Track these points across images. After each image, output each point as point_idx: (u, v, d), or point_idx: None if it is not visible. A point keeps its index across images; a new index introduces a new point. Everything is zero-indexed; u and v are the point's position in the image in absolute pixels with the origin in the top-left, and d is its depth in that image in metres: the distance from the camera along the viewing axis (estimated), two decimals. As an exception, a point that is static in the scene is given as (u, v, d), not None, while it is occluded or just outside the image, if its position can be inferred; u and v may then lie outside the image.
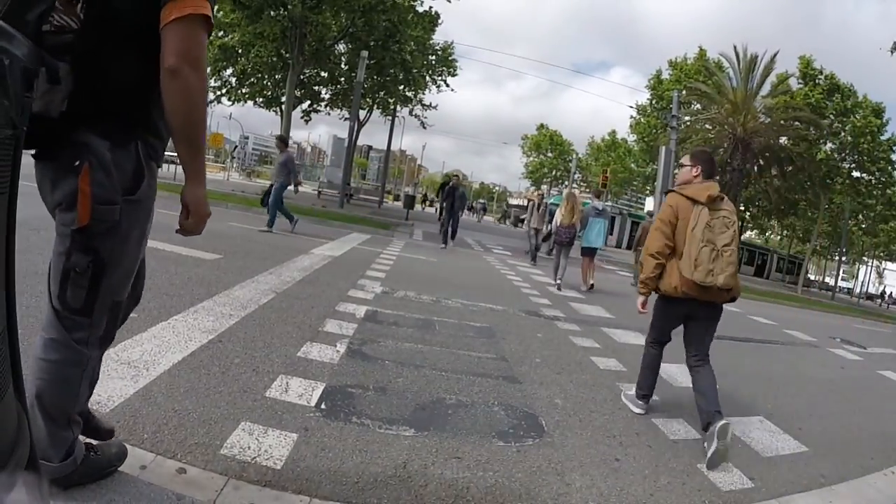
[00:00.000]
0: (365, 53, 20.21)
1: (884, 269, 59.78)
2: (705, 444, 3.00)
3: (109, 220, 1.43)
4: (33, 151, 1.40)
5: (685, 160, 3.56)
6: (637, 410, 3.59)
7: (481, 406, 3.18)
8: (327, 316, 4.55)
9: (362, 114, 32.06)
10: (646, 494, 2.50)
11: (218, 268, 5.90)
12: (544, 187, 66.42)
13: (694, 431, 3.37)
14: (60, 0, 1.29)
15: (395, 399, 3.06)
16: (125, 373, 2.72)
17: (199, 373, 2.92)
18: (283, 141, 10.93)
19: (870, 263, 55.45)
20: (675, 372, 4.73)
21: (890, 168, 28.48)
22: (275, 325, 4.04)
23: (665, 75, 33.48)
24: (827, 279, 62.56)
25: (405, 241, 12.84)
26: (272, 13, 19.22)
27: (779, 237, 57.23)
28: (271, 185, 10.34)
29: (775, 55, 26.37)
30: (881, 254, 48.16)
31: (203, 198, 1.56)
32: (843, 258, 50.87)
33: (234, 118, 50.98)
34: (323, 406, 2.78)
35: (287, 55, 20.91)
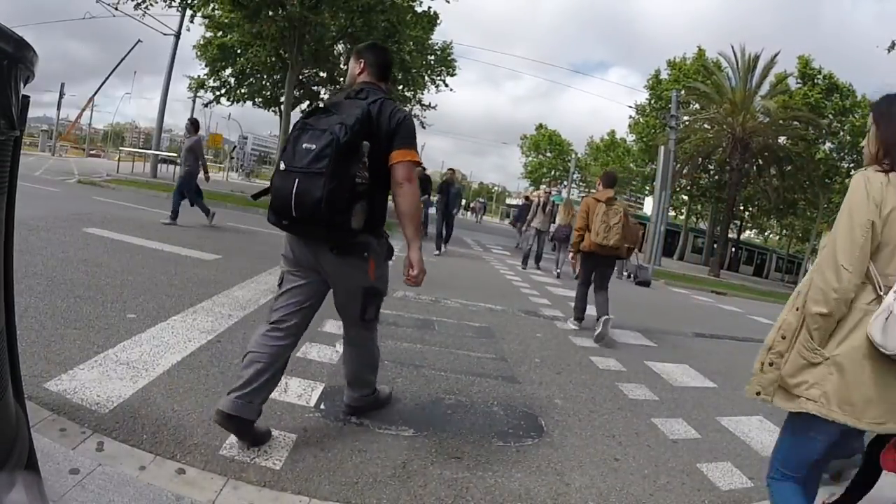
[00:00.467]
0: (364, 54, 20.14)
1: None
2: (595, 328, 5.38)
3: (381, 274, 2.45)
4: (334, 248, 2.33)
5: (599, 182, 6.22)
6: (572, 326, 5.93)
7: (481, 406, 3.18)
8: (326, 316, 4.52)
9: (361, 114, 32.00)
10: (645, 494, 2.50)
11: (217, 268, 5.90)
12: (543, 187, 66.23)
13: (693, 431, 3.38)
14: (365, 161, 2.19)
15: (395, 399, 3.06)
16: (124, 373, 2.72)
17: (199, 373, 2.92)
18: (193, 124, 9.87)
19: None
20: (675, 371, 4.73)
21: None
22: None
23: (664, 75, 33.46)
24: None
25: (403, 241, 12.73)
26: (270, 13, 19.16)
27: (778, 237, 57.27)
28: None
29: (775, 56, 26.38)
30: None
31: (421, 258, 2.45)
32: None
33: (234, 118, 50.90)
34: (322, 406, 2.78)
35: (286, 55, 20.83)
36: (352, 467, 2.26)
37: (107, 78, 51.84)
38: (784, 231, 52.92)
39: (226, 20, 21.65)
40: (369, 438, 2.54)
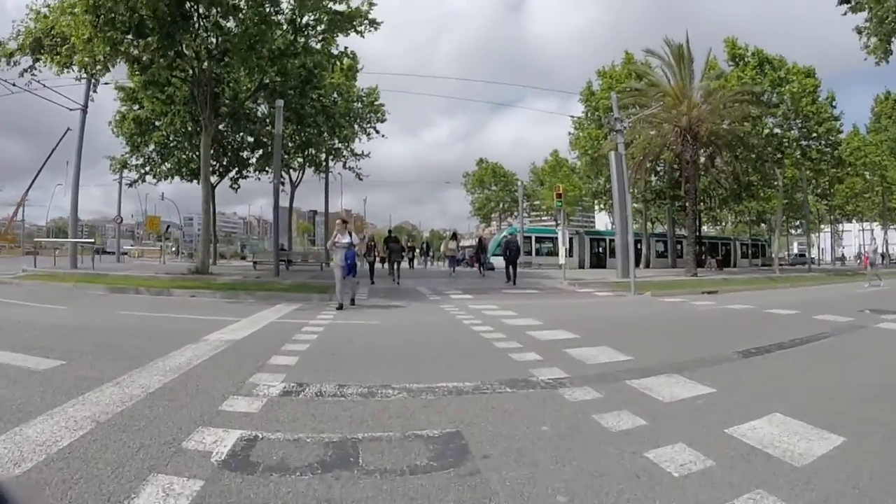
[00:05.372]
0: (280, 102, 18.35)
1: (842, 230, 59.73)
2: None
3: None
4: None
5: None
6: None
7: None
8: (160, 464, 2.45)
9: (294, 175, 30.15)
10: None
11: (43, 381, 3.90)
12: (494, 224, 65.04)
13: None
14: None
15: None
16: None
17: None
18: None
19: (826, 229, 55.40)
20: (773, 433, 2.78)
21: (837, 124, 28.99)
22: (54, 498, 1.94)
23: (595, 86, 32.85)
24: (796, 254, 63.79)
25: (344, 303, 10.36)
26: (179, 73, 17.33)
27: (732, 225, 57.41)
28: None
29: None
30: (837, 216, 48.50)
31: None
32: (801, 229, 51.12)
33: (168, 198, 47.94)
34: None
35: (200, 117, 18.69)
36: None
37: (38, 173, 49.49)
38: (738, 218, 53.15)
39: (135, 87, 20.06)
40: None
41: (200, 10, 15.64)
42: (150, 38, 14.67)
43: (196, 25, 15.96)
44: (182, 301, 10.53)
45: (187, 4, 15.07)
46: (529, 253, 31.14)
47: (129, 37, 14.86)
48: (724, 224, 57.05)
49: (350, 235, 9.61)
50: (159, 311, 8.66)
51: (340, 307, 9.14)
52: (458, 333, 6.88)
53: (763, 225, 55.10)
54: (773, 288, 17.56)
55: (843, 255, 58.63)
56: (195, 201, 26.85)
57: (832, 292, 15.93)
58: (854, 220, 52.32)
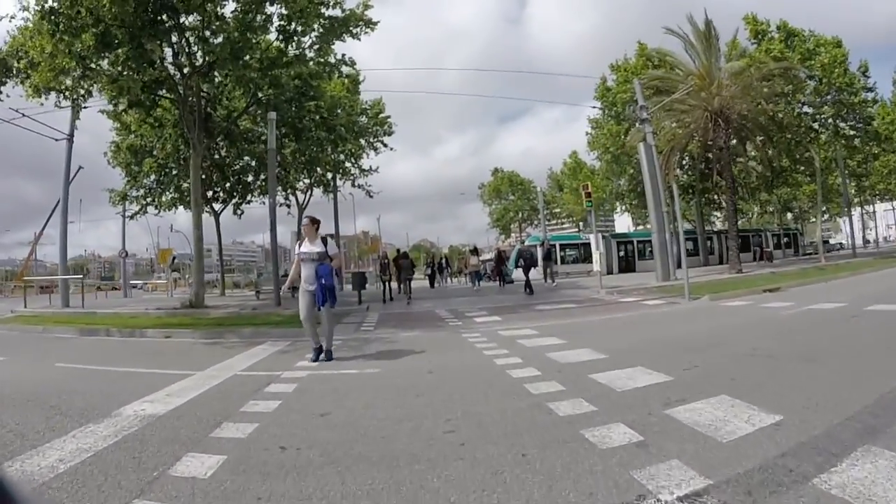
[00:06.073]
0: (273, 114, 16.79)
1: (873, 211, 56.40)
2: None
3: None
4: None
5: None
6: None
7: None
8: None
9: (301, 196, 28.69)
10: None
11: None
12: (514, 235, 63.01)
13: None
14: None
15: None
16: None
17: None
18: None
19: (855, 212, 52.47)
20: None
21: (872, 95, 27.11)
22: None
23: (610, 82, 30.94)
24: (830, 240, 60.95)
25: (343, 339, 8.13)
26: (168, 93, 15.92)
27: (759, 215, 54.74)
28: None
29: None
30: (869, 196, 45.95)
31: None
32: (827, 213, 48.35)
33: (180, 230, 47.31)
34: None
35: (190, 137, 17.14)
36: None
37: (52, 212, 49.33)
38: (762, 208, 50.80)
39: (115, 110, 18.86)
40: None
41: (181, 21, 14.18)
42: (119, 50, 13.26)
43: (173, 38, 14.51)
44: (149, 345, 8.72)
45: (163, 15, 13.59)
46: (556, 262, 29.25)
47: (103, 53, 13.45)
48: (750, 215, 54.40)
49: (325, 243, 6.39)
50: (108, 360, 6.88)
51: (316, 358, 6.14)
52: (491, 389, 4.42)
53: (789, 214, 52.50)
54: (836, 279, 15.65)
55: (871, 237, 55.66)
56: (209, 231, 25.53)
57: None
58: (882, 201, 49.93)
